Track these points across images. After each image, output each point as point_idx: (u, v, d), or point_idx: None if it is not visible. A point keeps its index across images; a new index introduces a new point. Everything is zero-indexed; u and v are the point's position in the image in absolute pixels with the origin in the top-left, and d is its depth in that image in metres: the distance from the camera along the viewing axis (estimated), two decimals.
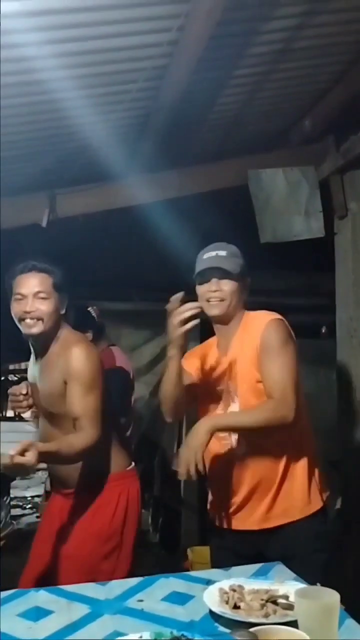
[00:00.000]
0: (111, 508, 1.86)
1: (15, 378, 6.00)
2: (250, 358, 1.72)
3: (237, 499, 1.75)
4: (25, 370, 2.11)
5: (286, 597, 1.23)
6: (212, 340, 1.91)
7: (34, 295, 1.79)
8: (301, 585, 1.28)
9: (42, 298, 1.79)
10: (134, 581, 1.41)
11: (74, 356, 1.78)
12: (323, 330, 4.12)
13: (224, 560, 1.68)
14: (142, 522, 4.24)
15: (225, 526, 1.78)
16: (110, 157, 2.55)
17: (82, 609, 1.25)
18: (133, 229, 3.28)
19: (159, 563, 3.69)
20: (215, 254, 1.79)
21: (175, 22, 1.79)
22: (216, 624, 1.18)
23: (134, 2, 1.69)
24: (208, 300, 1.77)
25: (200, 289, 1.80)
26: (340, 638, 1.08)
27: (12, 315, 1.82)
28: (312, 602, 1.04)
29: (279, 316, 1.76)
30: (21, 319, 1.80)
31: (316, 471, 1.79)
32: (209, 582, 1.35)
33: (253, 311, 1.83)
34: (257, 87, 2.46)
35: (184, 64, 2.01)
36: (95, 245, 3.65)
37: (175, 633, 1.09)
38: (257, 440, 1.72)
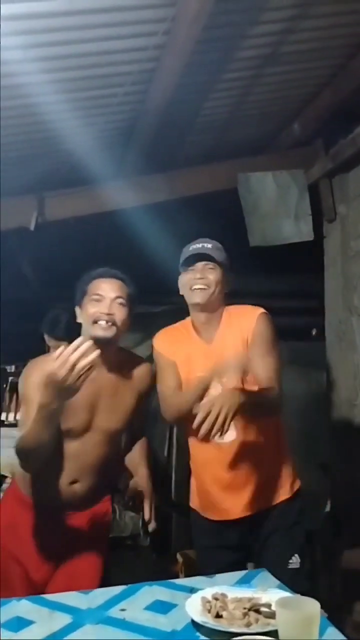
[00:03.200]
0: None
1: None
2: (237, 348, 1.77)
3: (222, 487, 1.81)
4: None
5: (269, 606, 1.22)
6: (185, 327, 1.90)
7: (112, 299, 1.74)
8: (285, 593, 1.27)
9: (120, 304, 1.75)
10: (117, 590, 1.39)
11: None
12: (313, 333, 4.13)
13: (211, 555, 1.79)
14: (133, 526, 4.26)
15: (213, 517, 1.83)
16: (98, 160, 2.55)
17: (63, 619, 1.24)
18: (122, 232, 3.28)
19: (150, 567, 3.68)
20: (200, 245, 1.84)
21: (161, 26, 1.78)
22: (198, 634, 1.17)
23: (119, 6, 1.69)
24: (191, 288, 1.80)
25: (185, 277, 1.83)
26: None
27: (84, 317, 1.75)
28: (292, 612, 1.03)
29: (264, 310, 1.82)
30: (96, 320, 1.72)
31: (289, 460, 1.88)
32: (192, 590, 1.34)
33: (234, 305, 1.86)
34: (246, 91, 2.47)
35: (171, 68, 2.01)
36: (85, 248, 3.65)
37: None
38: (246, 427, 1.78)
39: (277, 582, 1.39)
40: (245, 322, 1.79)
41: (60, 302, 2.11)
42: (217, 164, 2.98)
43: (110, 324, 1.72)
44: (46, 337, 2.74)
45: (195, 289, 1.79)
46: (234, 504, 1.81)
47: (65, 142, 2.35)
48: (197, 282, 1.79)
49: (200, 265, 1.80)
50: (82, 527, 1.82)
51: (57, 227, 2.94)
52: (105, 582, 1.71)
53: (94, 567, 1.80)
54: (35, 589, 1.69)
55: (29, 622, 1.23)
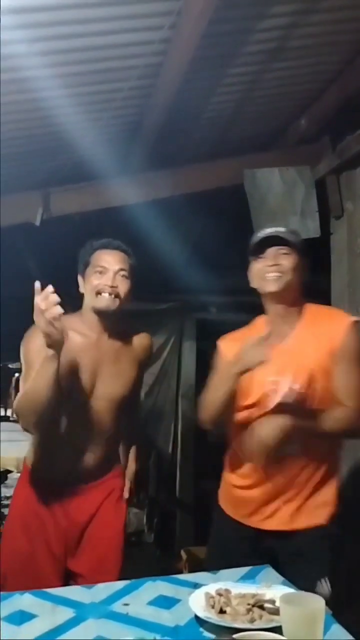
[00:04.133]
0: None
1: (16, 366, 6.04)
2: (320, 357, 1.59)
3: (267, 493, 1.65)
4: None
5: (273, 602, 1.21)
6: (259, 323, 1.73)
7: (115, 272, 1.75)
8: (289, 589, 1.26)
9: (123, 276, 1.77)
10: (120, 584, 1.39)
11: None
12: None
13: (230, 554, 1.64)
14: (137, 522, 4.26)
15: (244, 521, 1.68)
16: (103, 156, 2.54)
17: (66, 613, 1.24)
18: (127, 228, 3.27)
19: (153, 563, 3.69)
20: (273, 230, 1.67)
21: (167, 19, 1.77)
22: (201, 629, 1.16)
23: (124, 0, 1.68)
24: (264, 277, 1.62)
25: (256, 265, 1.65)
26: None
27: (88, 288, 1.77)
28: (297, 608, 1.02)
29: (356, 318, 1.65)
30: (99, 292, 1.75)
31: (338, 484, 1.72)
32: (196, 586, 1.34)
33: (318, 305, 1.71)
34: (252, 86, 2.45)
35: (177, 63, 2.00)
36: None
37: (159, 638, 1.08)
38: (311, 441, 1.62)
39: (282, 578, 1.39)
40: (334, 329, 1.60)
41: (65, 299, 2.11)
42: (223, 160, 2.96)
43: (113, 296, 1.74)
44: None
45: (268, 277, 1.61)
46: (271, 516, 1.66)
47: (70, 138, 2.34)
48: (270, 270, 1.61)
49: (272, 250, 1.62)
50: (98, 500, 1.85)
51: (60, 223, 2.93)
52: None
53: (115, 547, 1.84)
54: (59, 563, 1.76)
55: (32, 616, 1.23)
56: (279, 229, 1.68)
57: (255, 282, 1.68)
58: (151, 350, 1.96)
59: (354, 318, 1.64)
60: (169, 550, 3.94)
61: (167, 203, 2.91)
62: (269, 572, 1.44)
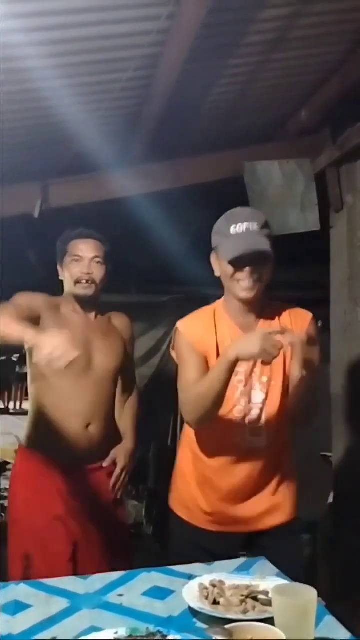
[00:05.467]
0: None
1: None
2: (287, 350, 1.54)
3: (233, 494, 1.64)
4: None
5: (266, 593, 1.21)
6: (217, 312, 1.66)
7: (90, 259, 1.94)
8: (283, 581, 1.27)
9: (98, 263, 1.95)
10: (115, 575, 1.40)
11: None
12: (319, 324, 4.10)
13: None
14: (136, 515, 4.27)
15: (207, 527, 1.66)
16: (103, 147, 2.53)
17: (61, 603, 1.24)
18: (128, 220, 3.26)
19: (152, 555, 3.70)
20: (246, 229, 1.53)
21: (165, 9, 1.75)
22: (194, 620, 1.17)
23: None
24: (237, 283, 1.56)
25: (228, 268, 1.56)
26: (319, 635, 1.07)
27: (67, 276, 1.96)
28: (288, 599, 1.03)
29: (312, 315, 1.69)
30: (78, 281, 1.94)
31: (294, 480, 1.73)
32: (191, 577, 1.34)
33: (272, 301, 1.69)
34: (252, 77, 2.43)
35: (176, 53, 1.98)
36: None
37: (152, 629, 1.08)
38: (276, 433, 1.63)
39: (276, 570, 1.39)
40: (298, 324, 1.62)
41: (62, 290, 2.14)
42: (223, 152, 2.94)
43: (90, 282, 1.93)
44: None
45: (243, 285, 1.55)
46: (245, 517, 1.65)
47: (69, 129, 2.33)
48: (247, 278, 1.54)
49: (250, 267, 1.53)
50: (103, 482, 1.95)
51: (60, 215, 2.92)
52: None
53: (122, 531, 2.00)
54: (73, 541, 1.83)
55: (27, 606, 1.23)
56: (256, 235, 1.54)
57: (224, 281, 1.61)
58: (132, 328, 2.14)
59: (311, 315, 1.69)
60: (168, 542, 3.96)
61: (167, 195, 2.90)
62: (264, 564, 1.44)
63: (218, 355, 1.59)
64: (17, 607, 1.23)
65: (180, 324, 1.68)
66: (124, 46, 1.92)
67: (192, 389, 1.58)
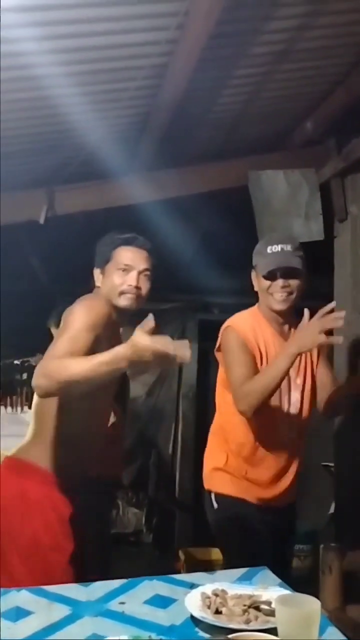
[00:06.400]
0: None
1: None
2: (315, 354, 1.91)
3: (274, 472, 1.88)
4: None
5: (269, 603, 1.21)
6: (263, 316, 1.90)
7: (140, 272, 1.71)
8: (285, 591, 1.26)
9: (146, 276, 1.72)
10: (117, 583, 1.39)
11: None
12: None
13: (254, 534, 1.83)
14: (136, 522, 4.26)
15: (256, 500, 1.87)
16: (109, 155, 2.54)
17: (62, 610, 1.24)
18: (132, 228, 3.27)
19: (152, 563, 3.68)
20: (280, 249, 1.84)
21: (174, 20, 1.77)
22: (196, 629, 1.16)
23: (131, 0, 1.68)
24: (272, 295, 1.83)
25: (264, 282, 1.84)
26: None
27: (108, 284, 1.71)
28: (292, 610, 1.02)
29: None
30: (122, 292, 1.69)
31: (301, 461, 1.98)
32: (193, 586, 1.34)
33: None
34: (258, 87, 2.45)
35: (184, 63, 2.00)
36: (94, 243, 3.66)
37: (153, 637, 1.08)
38: (305, 426, 1.93)
39: (278, 580, 1.38)
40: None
41: (69, 297, 2.13)
42: (228, 161, 2.96)
43: (136, 296, 1.70)
44: (53, 331, 2.74)
45: (277, 297, 1.83)
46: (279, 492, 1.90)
47: (76, 136, 2.35)
48: (279, 291, 1.82)
49: (282, 279, 1.82)
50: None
51: (66, 221, 2.94)
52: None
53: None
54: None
55: (28, 613, 1.23)
56: (291, 255, 1.82)
57: (260, 294, 1.87)
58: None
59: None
60: (168, 550, 3.94)
61: (173, 203, 2.91)
62: (266, 573, 1.44)
63: (261, 354, 1.83)
64: (19, 613, 1.22)
65: (232, 323, 1.87)
66: (132, 55, 1.94)
67: (256, 380, 1.75)
